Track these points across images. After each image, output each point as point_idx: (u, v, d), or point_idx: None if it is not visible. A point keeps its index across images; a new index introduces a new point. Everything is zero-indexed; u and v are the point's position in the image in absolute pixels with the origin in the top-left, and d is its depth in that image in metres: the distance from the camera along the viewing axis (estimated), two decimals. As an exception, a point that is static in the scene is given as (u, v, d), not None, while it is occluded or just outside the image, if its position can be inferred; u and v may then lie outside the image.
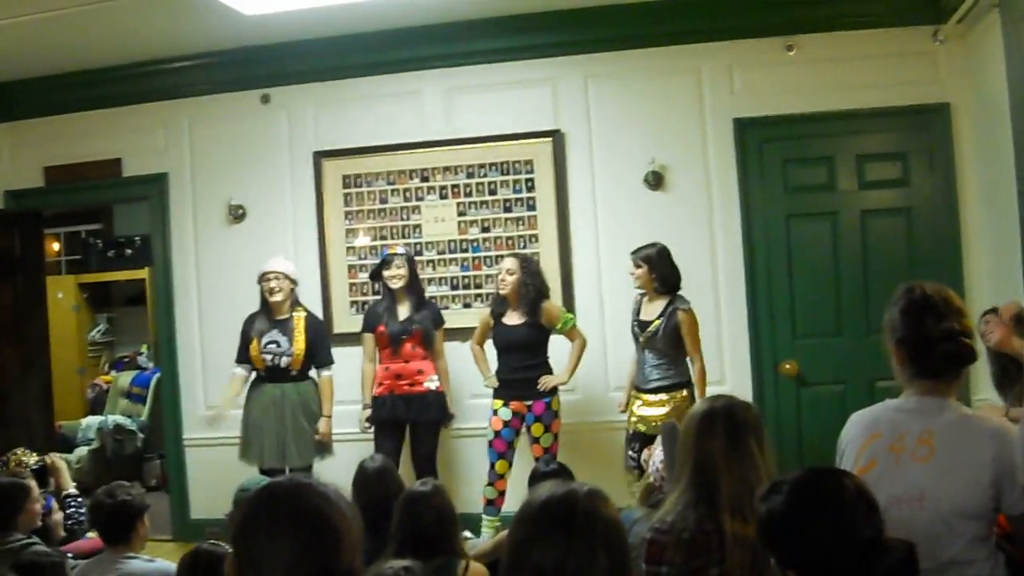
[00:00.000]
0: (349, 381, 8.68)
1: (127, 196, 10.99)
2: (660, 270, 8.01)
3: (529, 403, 8.23)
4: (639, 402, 8.04)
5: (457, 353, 8.73)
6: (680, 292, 8.03)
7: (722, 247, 8.86)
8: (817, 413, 8.56)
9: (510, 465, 8.34)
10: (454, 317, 9.04)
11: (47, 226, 11.60)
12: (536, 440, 8.26)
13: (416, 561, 4.33)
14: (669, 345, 7.90)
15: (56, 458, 7.17)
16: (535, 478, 6.55)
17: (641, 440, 7.90)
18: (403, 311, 8.49)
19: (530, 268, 8.31)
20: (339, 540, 2.52)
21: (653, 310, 8.01)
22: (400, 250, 8.58)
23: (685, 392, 7.92)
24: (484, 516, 8.32)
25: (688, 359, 7.96)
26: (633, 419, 8.04)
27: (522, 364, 8.28)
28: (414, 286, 8.57)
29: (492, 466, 8.37)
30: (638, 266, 8.01)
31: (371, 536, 5.01)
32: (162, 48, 9.35)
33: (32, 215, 10.50)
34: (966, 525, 3.40)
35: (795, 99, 8.73)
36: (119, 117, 9.94)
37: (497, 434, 8.32)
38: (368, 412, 8.52)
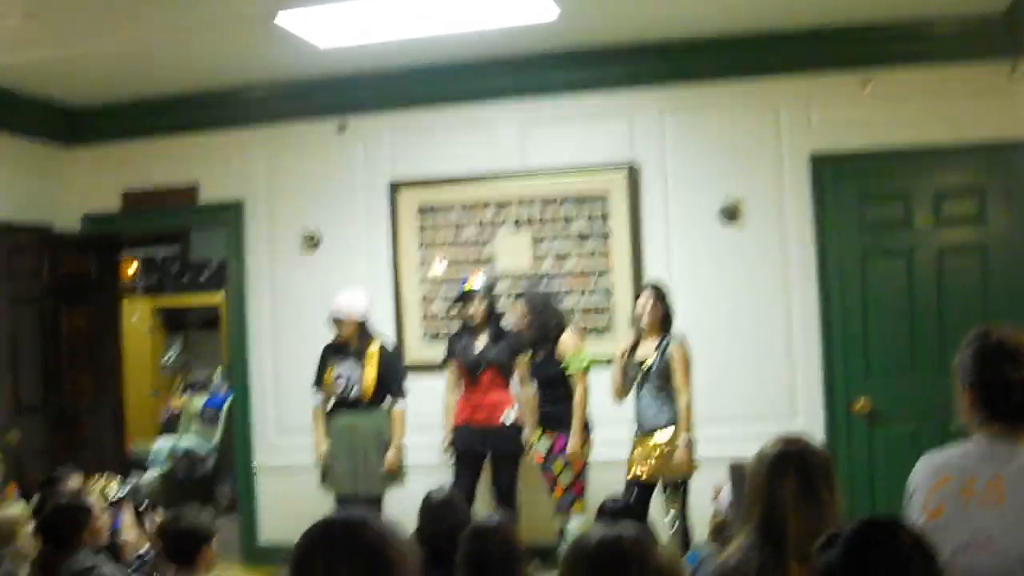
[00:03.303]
0: (424, 410, 8.73)
1: (203, 222, 11.14)
2: (667, 306, 7.96)
3: (556, 434, 8.16)
4: (639, 447, 7.87)
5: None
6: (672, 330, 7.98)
7: (796, 283, 8.81)
8: (890, 452, 8.46)
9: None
10: (526, 349, 9.06)
11: (124, 248, 11.71)
12: (557, 476, 8.20)
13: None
14: (665, 380, 7.79)
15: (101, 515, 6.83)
16: (601, 514, 6.51)
17: (640, 488, 7.80)
18: (480, 343, 8.49)
19: (535, 307, 8.30)
20: (395, 573, 2.54)
21: (648, 348, 7.91)
22: (477, 284, 8.51)
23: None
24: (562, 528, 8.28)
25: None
26: (635, 466, 7.86)
27: (546, 398, 8.24)
28: (492, 317, 8.56)
29: (552, 495, 8.30)
30: (655, 304, 7.90)
31: (436, 567, 5.03)
32: (239, 76, 9.45)
33: (109, 239, 10.63)
34: (1033, 573, 3.36)
35: (872, 134, 8.68)
36: (196, 144, 10.05)
37: (542, 467, 8.26)
38: (447, 440, 8.54)
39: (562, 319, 8.38)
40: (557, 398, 8.16)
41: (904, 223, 8.71)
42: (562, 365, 8.14)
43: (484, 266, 9.22)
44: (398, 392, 8.60)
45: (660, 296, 7.93)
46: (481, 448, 8.45)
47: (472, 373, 8.45)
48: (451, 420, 8.56)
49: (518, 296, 8.62)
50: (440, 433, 8.60)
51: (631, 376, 7.95)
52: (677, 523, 7.69)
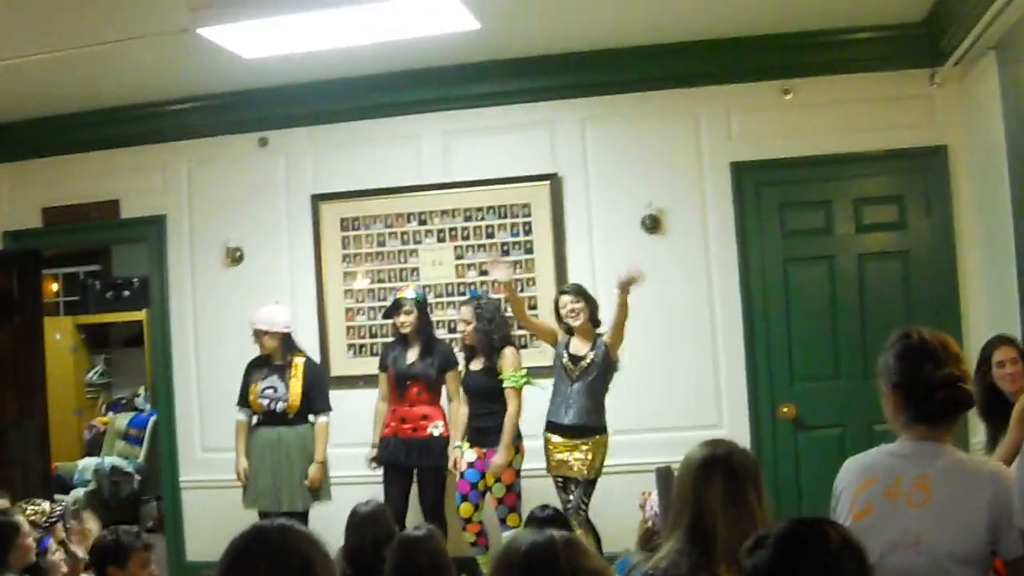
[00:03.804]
0: (349, 424, 8.71)
1: (125, 237, 11.06)
2: (592, 306, 7.99)
3: (485, 450, 8.12)
4: (553, 446, 7.89)
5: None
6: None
7: (719, 291, 8.85)
8: (815, 457, 8.48)
9: (476, 508, 8.24)
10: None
11: (45, 266, 11.59)
12: (488, 489, 8.18)
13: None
14: (598, 380, 7.82)
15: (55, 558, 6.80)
16: (530, 522, 6.52)
17: (577, 484, 7.78)
18: (411, 355, 8.45)
19: (485, 315, 8.21)
20: None
21: (582, 345, 7.91)
22: (410, 293, 8.51)
23: (600, 437, 7.83)
24: (475, 557, 8.29)
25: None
26: (554, 464, 7.90)
27: (480, 411, 8.19)
28: (424, 330, 8.51)
29: (457, 509, 8.29)
30: (578, 302, 7.91)
31: (364, 580, 5.01)
32: (161, 90, 9.36)
33: (30, 256, 10.49)
34: (962, 570, 3.38)
35: (792, 143, 8.74)
36: (118, 159, 9.95)
37: (461, 475, 8.19)
38: (375, 452, 8.50)
39: (509, 332, 8.35)
40: (489, 412, 8.10)
41: (825, 230, 8.79)
42: (500, 378, 8.10)
43: (408, 279, 9.21)
44: (323, 406, 8.57)
45: (583, 296, 7.96)
46: (406, 460, 8.38)
47: (400, 385, 8.42)
48: (379, 430, 8.53)
49: (466, 302, 8.54)
50: (367, 448, 8.57)
51: (565, 369, 7.93)
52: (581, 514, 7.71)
